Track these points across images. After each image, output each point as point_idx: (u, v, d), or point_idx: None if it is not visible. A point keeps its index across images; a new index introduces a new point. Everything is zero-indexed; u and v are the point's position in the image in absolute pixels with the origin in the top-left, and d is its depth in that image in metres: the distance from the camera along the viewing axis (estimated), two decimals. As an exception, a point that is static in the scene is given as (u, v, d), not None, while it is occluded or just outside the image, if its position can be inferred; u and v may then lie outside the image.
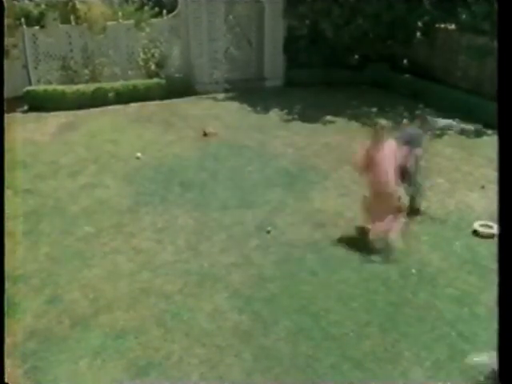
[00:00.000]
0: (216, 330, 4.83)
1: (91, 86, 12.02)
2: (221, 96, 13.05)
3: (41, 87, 11.91)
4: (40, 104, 11.54)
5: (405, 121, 7.58)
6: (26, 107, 11.69)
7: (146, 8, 13.43)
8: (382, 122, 6.39)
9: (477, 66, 11.66)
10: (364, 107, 12.17)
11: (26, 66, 12.08)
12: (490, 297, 4.90)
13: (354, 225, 6.69)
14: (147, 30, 12.77)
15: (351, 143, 9.89)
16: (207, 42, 13.16)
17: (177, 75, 13.25)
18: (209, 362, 4.46)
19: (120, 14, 12.66)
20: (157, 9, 13.50)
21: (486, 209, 6.98)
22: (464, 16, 11.26)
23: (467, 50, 11.77)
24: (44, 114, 11.29)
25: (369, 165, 6.01)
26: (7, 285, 4.66)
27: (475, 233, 6.49)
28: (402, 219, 6.16)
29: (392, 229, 6.01)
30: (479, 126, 10.49)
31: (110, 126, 10.75)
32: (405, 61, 13.86)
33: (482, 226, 6.50)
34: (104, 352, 4.55)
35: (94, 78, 12.37)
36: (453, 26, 12.53)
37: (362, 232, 6.26)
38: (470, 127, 10.07)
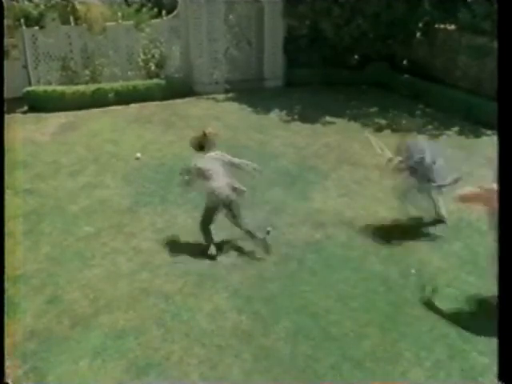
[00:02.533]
0: (216, 330, 4.83)
1: (91, 87, 12.03)
2: (221, 96, 13.06)
3: (41, 88, 11.90)
4: (40, 104, 11.54)
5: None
6: (25, 108, 11.70)
7: (145, 9, 13.44)
8: None
9: (477, 65, 11.67)
10: (364, 107, 12.18)
11: (25, 67, 12.07)
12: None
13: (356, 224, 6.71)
14: (147, 30, 12.77)
15: (351, 143, 9.91)
16: (207, 42, 13.16)
17: (177, 76, 13.26)
18: (208, 362, 4.46)
19: (120, 14, 12.67)
20: (156, 9, 13.52)
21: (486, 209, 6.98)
22: (464, 16, 11.26)
23: (467, 50, 11.79)
24: (44, 115, 11.29)
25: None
26: (7, 285, 4.68)
27: None
28: None
29: None
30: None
31: (110, 126, 10.75)
32: (405, 61, 13.88)
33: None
34: (104, 352, 4.55)
35: (93, 79, 12.37)
36: (453, 26, 12.54)
37: None
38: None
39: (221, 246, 6.07)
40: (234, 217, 5.88)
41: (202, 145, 6.00)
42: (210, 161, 5.83)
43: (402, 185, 6.66)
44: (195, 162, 5.84)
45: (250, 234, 5.90)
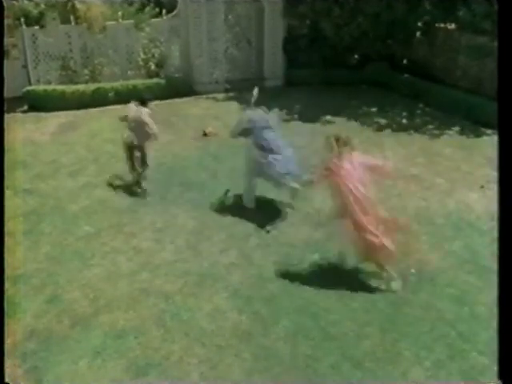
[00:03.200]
0: (216, 330, 4.83)
1: (91, 86, 12.03)
2: (221, 96, 13.05)
3: (40, 87, 11.91)
4: (40, 104, 11.54)
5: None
6: (25, 107, 11.70)
7: (148, 9, 13.42)
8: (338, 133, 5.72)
9: (477, 65, 11.66)
10: (364, 107, 12.17)
11: (25, 66, 12.07)
12: (490, 297, 4.91)
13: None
14: (147, 29, 12.77)
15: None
16: (207, 41, 13.16)
17: (176, 75, 13.26)
18: (208, 362, 4.46)
19: (120, 14, 12.66)
20: (157, 9, 13.51)
21: (486, 209, 6.99)
22: (464, 15, 11.25)
23: (467, 49, 11.78)
24: (44, 114, 11.29)
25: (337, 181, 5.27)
26: (7, 285, 4.68)
27: None
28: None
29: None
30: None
31: (109, 125, 10.71)
32: (405, 60, 13.87)
33: None
34: (104, 352, 4.55)
35: (93, 78, 12.37)
36: (453, 26, 12.53)
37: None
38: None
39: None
40: (142, 159, 7.62)
41: (144, 101, 7.75)
42: (136, 112, 7.59)
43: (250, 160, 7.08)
44: (129, 110, 7.72)
45: (140, 177, 7.68)
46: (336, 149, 5.32)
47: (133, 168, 7.66)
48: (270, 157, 6.76)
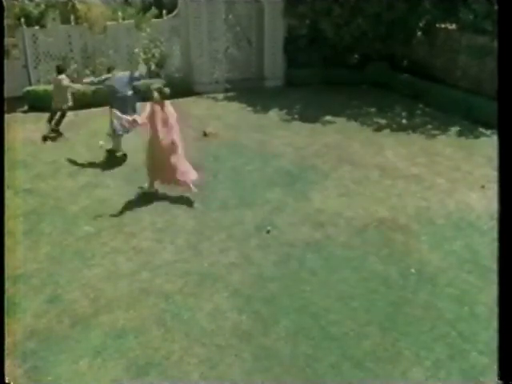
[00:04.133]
0: (216, 330, 4.84)
1: (91, 86, 12.00)
2: (221, 96, 13.05)
3: (41, 87, 11.89)
4: (40, 104, 11.50)
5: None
6: (26, 107, 11.70)
7: (151, 11, 13.39)
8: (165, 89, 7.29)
9: (477, 65, 11.67)
10: (364, 107, 12.18)
11: (26, 66, 12.07)
12: (489, 297, 4.92)
13: (353, 224, 6.74)
14: (147, 30, 12.76)
15: (351, 143, 9.92)
16: (207, 41, 13.16)
17: (177, 75, 13.26)
18: (209, 362, 4.46)
19: (120, 14, 12.66)
20: (157, 9, 13.50)
21: (486, 209, 7.00)
22: (464, 15, 11.25)
23: (467, 49, 11.78)
24: (44, 114, 11.21)
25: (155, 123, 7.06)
26: (7, 284, 4.68)
27: None
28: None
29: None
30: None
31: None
32: (405, 60, 13.87)
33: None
34: (104, 351, 4.56)
35: (94, 78, 12.36)
36: (453, 26, 12.53)
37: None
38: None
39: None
40: (60, 118, 10.02)
41: (61, 70, 9.88)
42: (61, 80, 9.70)
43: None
44: (61, 77, 9.77)
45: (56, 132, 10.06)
46: (158, 98, 7.07)
47: (49, 121, 9.97)
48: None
